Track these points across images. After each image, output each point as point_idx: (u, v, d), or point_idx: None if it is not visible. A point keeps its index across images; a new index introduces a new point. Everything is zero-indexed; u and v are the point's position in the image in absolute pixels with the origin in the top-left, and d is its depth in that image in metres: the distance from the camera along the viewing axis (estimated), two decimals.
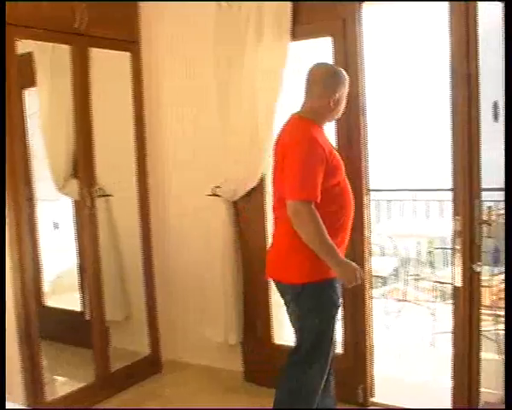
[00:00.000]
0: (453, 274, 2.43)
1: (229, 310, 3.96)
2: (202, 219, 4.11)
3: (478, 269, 2.45)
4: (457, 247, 2.38)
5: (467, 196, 2.38)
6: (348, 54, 3.44)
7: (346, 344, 3.70)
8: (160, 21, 4.16)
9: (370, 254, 3.71)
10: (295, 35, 3.57)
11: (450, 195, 6.45)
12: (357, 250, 3.50)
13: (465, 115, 2.38)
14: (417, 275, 5.79)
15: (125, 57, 4.07)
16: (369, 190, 3.56)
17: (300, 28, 3.57)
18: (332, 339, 2.90)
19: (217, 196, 3.95)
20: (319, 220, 2.66)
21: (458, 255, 2.39)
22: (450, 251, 5.64)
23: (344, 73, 2.96)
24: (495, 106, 2.71)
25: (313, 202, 2.68)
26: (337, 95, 2.88)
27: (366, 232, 3.55)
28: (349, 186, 2.96)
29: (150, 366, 4.32)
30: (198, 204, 4.14)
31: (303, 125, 2.86)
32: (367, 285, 3.58)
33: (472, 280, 2.45)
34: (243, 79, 3.71)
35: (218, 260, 3.95)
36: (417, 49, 6.22)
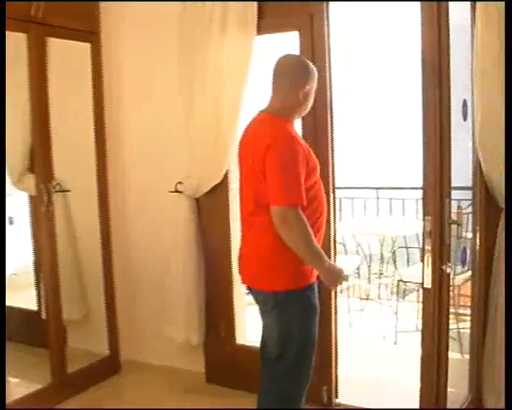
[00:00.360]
0: (422, 275, 2.38)
1: (191, 310, 3.86)
2: (164, 216, 4.01)
3: (448, 270, 2.41)
4: (427, 247, 2.33)
5: (437, 195, 2.33)
6: (315, 49, 3.38)
7: None
8: (122, 12, 4.05)
9: (336, 252, 3.66)
10: (261, 29, 3.48)
11: (413, 193, 6.64)
12: (323, 248, 3.41)
13: (437, 114, 2.33)
14: (380, 273, 5.78)
15: (85, 48, 3.94)
16: (334, 187, 3.51)
17: (266, 22, 3.49)
18: (315, 343, 2.81)
19: (179, 192, 3.85)
20: (307, 225, 2.54)
21: (428, 256, 2.34)
22: (412, 250, 5.80)
23: (313, 66, 2.80)
24: (464, 105, 2.68)
25: (300, 207, 2.55)
26: (307, 87, 2.72)
27: (332, 230, 3.49)
28: (322, 186, 2.83)
29: (109, 366, 4.22)
30: (160, 201, 4.04)
31: (277, 122, 2.69)
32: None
33: (441, 281, 2.41)
34: (207, 75, 3.63)
35: (179, 259, 3.86)
36: (387, 47, 6.22)
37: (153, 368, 4.24)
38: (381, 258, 5.87)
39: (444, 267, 2.38)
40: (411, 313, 5.24)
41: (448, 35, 2.35)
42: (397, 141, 7.24)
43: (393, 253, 5.54)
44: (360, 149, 7.31)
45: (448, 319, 2.56)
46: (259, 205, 2.65)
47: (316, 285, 2.76)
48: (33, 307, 4.19)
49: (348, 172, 6.15)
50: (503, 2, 2.63)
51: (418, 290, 5.41)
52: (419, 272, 4.92)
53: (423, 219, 2.35)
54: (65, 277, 3.93)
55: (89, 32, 3.92)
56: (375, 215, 6.63)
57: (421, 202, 6.15)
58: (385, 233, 5.72)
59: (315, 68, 2.80)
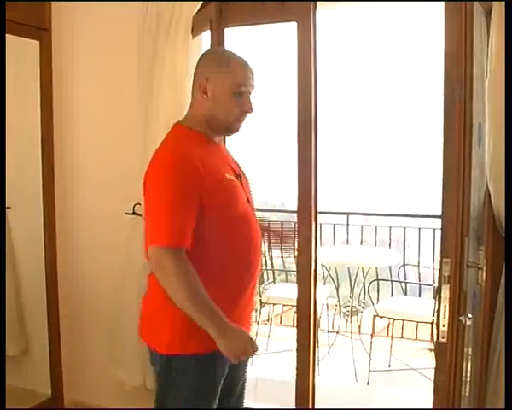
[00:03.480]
0: (437, 327, 2.01)
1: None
2: (118, 240, 3.54)
3: (468, 322, 2.02)
4: (444, 295, 1.94)
5: (458, 233, 1.96)
6: (299, 58, 3.01)
7: None
8: (76, 7, 3.63)
9: (316, 282, 3.27)
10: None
11: (386, 220, 6.35)
12: (303, 279, 3.15)
13: (461, 138, 1.97)
14: (353, 307, 5.44)
15: (32, 46, 3.52)
16: (316, 213, 3.14)
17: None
18: None
19: (137, 214, 3.40)
20: (189, 273, 1.99)
21: (445, 305, 1.95)
22: (384, 282, 5.50)
23: (238, 58, 2.18)
24: (479, 128, 2.32)
25: (182, 249, 2.00)
26: (205, 81, 2.12)
27: (313, 259, 3.15)
28: (256, 223, 2.27)
29: (52, 408, 3.76)
30: (114, 223, 3.59)
31: (174, 135, 2.20)
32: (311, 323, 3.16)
33: (458, 335, 2.03)
34: (168, 81, 3.24)
35: (135, 291, 3.39)
36: (372, 61, 5.94)
37: None
38: (352, 290, 5.52)
39: (462, 318, 2.00)
40: (383, 348, 4.92)
41: (472, 42, 2.00)
42: (377, 163, 6.97)
43: (368, 286, 5.22)
44: (341, 171, 7.01)
45: (461, 377, 2.18)
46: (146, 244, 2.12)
47: (220, 358, 2.10)
48: None
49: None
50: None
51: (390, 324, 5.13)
52: (394, 306, 4.82)
53: (440, 262, 1.97)
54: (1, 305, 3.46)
55: (38, 29, 3.50)
56: (345, 243, 6.32)
57: (394, 230, 6.13)
58: (355, 263, 5.37)
59: (239, 62, 2.17)
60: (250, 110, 2.16)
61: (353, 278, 5.47)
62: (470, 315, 2.02)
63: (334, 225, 6.29)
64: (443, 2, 2.15)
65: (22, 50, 3.55)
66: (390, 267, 5.61)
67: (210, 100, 2.13)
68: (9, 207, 3.66)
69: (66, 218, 3.77)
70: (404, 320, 5.08)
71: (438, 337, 2.00)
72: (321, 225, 6.14)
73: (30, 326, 3.87)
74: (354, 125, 6.74)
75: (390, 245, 6.17)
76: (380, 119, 6.52)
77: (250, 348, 2.06)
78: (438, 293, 2.04)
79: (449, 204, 2.05)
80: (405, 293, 5.32)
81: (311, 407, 3.31)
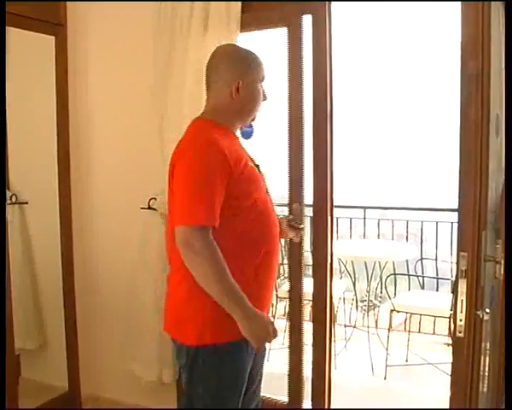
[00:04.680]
0: (454, 321, 1.98)
1: (164, 342, 3.38)
2: (134, 235, 3.53)
3: (485, 317, 1.99)
4: (461, 289, 1.92)
5: (476, 227, 1.93)
6: (314, 51, 2.99)
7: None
8: (90, 3, 3.61)
9: (332, 276, 3.26)
10: (247, 25, 3.11)
11: (403, 214, 6.30)
12: (319, 273, 3.14)
13: (478, 131, 1.95)
14: (369, 301, 5.40)
15: (48, 42, 3.51)
16: (332, 207, 3.13)
17: (253, 16, 3.11)
18: None
19: (152, 209, 3.40)
20: (217, 253, 2.01)
21: (462, 299, 1.93)
22: (401, 276, 5.46)
23: (255, 55, 2.32)
24: (497, 120, 2.29)
25: (210, 229, 2.03)
26: (240, 82, 2.23)
27: (329, 253, 3.13)
28: (274, 214, 2.32)
29: (68, 402, 3.78)
30: (130, 218, 3.58)
31: (200, 129, 2.24)
32: (327, 317, 3.16)
33: (475, 329, 2.00)
34: (185, 77, 3.21)
35: (151, 285, 3.39)
36: (393, 53, 5.87)
37: (118, 406, 3.78)
38: (369, 284, 5.48)
39: (479, 313, 1.97)
40: (401, 344, 4.89)
41: (490, 36, 1.97)
42: (390, 158, 6.89)
43: (384, 279, 5.18)
44: (358, 164, 6.95)
45: (478, 372, 2.15)
46: (173, 233, 2.13)
47: (248, 346, 2.15)
48: None
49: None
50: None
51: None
52: (411, 300, 4.79)
53: (457, 256, 1.94)
54: (19, 301, 3.50)
55: (53, 24, 3.50)
56: (362, 237, 6.28)
57: (411, 224, 6.08)
58: (372, 257, 5.34)
59: (258, 59, 2.32)
60: (264, 98, 2.35)
61: (370, 272, 5.43)
62: (488, 310, 2.00)
63: (351, 219, 6.24)
64: None
65: (38, 46, 3.55)
66: (407, 261, 5.56)
67: (242, 96, 2.25)
68: (26, 203, 3.69)
69: (82, 213, 3.78)
70: (421, 315, 5.05)
71: (455, 332, 1.97)
72: (337, 219, 6.14)
73: (47, 321, 3.88)
74: (371, 119, 6.69)
75: (407, 239, 6.12)
76: (396, 113, 6.47)
77: (272, 333, 2.11)
78: (455, 287, 2.01)
79: (466, 197, 2.02)
80: (423, 287, 5.27)
81: (327, 400, 3.30)
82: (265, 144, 3.46)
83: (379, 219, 6.24)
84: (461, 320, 1.95)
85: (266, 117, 2.54)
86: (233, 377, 2.19)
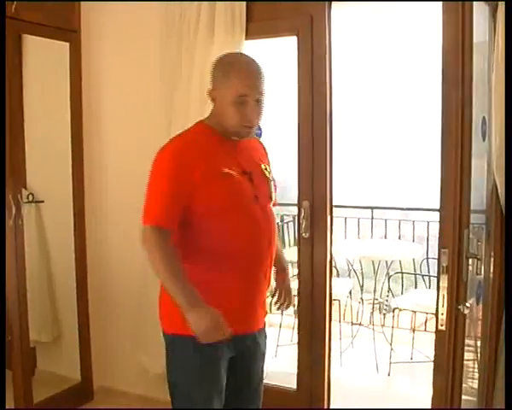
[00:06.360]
0: (436, 315, 2.09)
1: None
2: None
3: (465, 311, 2.11)
4: (443, 284, 2.03)
5: (456, 225, 2.04)
6: (315, 55, 3.12)
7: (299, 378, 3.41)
8: (104, 10, 3.75)
9: (331, 275, 3.40)
10: (253, 33, 3.24)
11: (410, 214, 6.37)
12: (318, 271, 3.25)
13: (458, 132, 2.05)
14: (375, 299, 5.49)
15: (63, 48, 3.64)
16: (332, 206, 3.24)
17: (260, 26, 3.24)
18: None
19: None
20: (167, 248, 2.12)
21: (443, 294, 2.04)
22: (406, 275, 5.54)
23: (240, 64, 2.21)
24: (483, 123, 2.40)
25: (165, 229, 2.14)
26: (216, 90, 2.20)
27: (328, 252, 3.25)
28: (266, 220, 2.29)
29: (81, 393, 3.92)
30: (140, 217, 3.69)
31: (188, 130, 2.31)
32: (327, 312, 3.27)
33: (457, 323, 2.11)
34: (192, 81, 3.35)
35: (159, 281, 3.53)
36: (396, 54, 5.91)
37: (127, 397, 3.91)
38: (375, 283, 5.56)
39: (461, 307, 2.08)
40: (405, 341, 4.98)
41: (472, 41, 2.07)
42: (395, 159, 6.93)
43: (389, 278, 5.26)
44: (357, 165, 7.00)
45: (462, 366, 2.25)
46: None
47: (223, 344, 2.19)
48: None
49: (341, 189, 5.87)
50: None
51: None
52: (415, 299, 4.87)
53: (438, 252, 2.06)
54: (35, 295, 3.67)
55: (68, 31, 3.63)
56: (369, 237, 6.35)
57: (418, 225, 6.14)
58: (380, 257, 5.42)
59: (243, 73, 2.17)
60: (249, 121, 2.19)
61: (377, 271, 5.51)
62: (468, 304, 2.10)
63: (359, 219, 6.32)
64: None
65: (53, 52, 3.68)
66: (414, 260, 5.64)
67: (216, 106, 2.23)
68: (42, 201, 3.81)
69: (95, 211, 3.90)
70: (427, 313, 5.12)
71: (437, 326, 2.08)
72: (346, 219, 6.24)
73: (62, 315, 4.01)
74: (369, 122, 6.75)
75: (413, 239, 6.19)
76: (398, 113, 6.52)
77: (219, 330, 2.07)
78: (437, 282, 2.12)
79: (446, 196, 2.12)
80: (429, 286, 5.34)
81: (326, 399, 3.40)
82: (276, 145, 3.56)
83: (386, 220, 6.31)
84: (442, 314, 2.06)
85: (278, 117, 2.60)
86: (202, 368, 2.25)
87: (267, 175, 2.38)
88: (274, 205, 2.42)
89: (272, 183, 2.38)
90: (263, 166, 2.38)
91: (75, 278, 3.85)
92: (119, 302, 3.92)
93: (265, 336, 2.51)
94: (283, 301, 2.53)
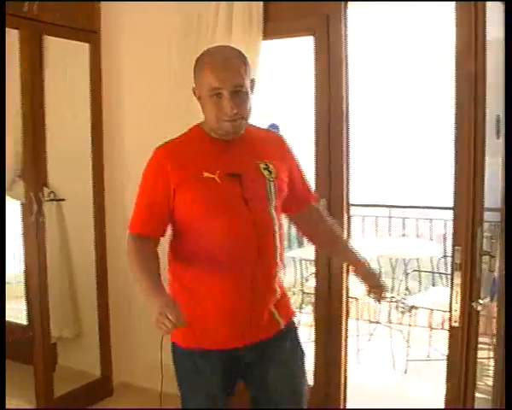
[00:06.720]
0: (450, 311, 2.11)
1: None
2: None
3: (478, 308, 2.12)
4: (457, 281, 2.05)
5: (469, 223, 2.06)
6: (331, 55, 3.14)
7: (316, 375, 3.43)
8: (123, 11, 3.81)
9: (348, 273, 3.38)
10: (270, 33, 3.27)
11: (428, 212, 6.36)
12: (335, 269, 3.27)
13: (471, 130, 2.07)
14: (392, 297, 5.50)
15: (83, 49, 3.70)
16: (349, 204, 3.26)
17: (276, 25, 3.27)
18: None
19: None
20: (141, 252, 2.14)
21: (457, 291, 2.06)
22: (424, 273, 5.54)
23: (214, 56, 2.12)
24: (497, 121, 2.40)
25: (143, 236, 2.17)
26: (196, 87, 2.14)
27: None
28: (256, 222, 2.13)
29: (101, 389, 3.98)
30: None
31: (182, 134, 2.26)
32: (343, 309, 3.29)
33: (471, 320, 2.13)
34: None
35: None
36: (413, 54, 5.89)
37: (146, 392, 3.90)
38: (393, 281, 5.58)
39: (474, 304, 2.10)
40: (423, 339, 4.99)
41: (485, 39, 2.08)
42: (413, 157, 6.88)
43: (406, 276, 5.27)
44: (374, 164, 6.98)
45: (476, 362, 2.27)
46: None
47: (217, 357, 2.20)
48: (23, 321, 3.94)
49: (358, 188, 5.89)
50: None
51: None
52: (433, 297, 4.88)
53: (452, 249, 2.08)
54: (57, 292, 3.74)
55: (88, 31, 3.69)
56: (387, 235, 6.36)
57: (435, 223, 6.14)
58: (397, 255, 5.43)
59: (213, 60, 2.09)
60: (225, 114, 2.07)
61: (395, 269, 5.52)
62: (481, 301, 2.11)
63: (377, 217, 6.34)
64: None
65: (73, 52, 3.73)
66: (431, 259, 5.64)
67: (200, 104, 2.14)
68: (63, 200, 3.88)
69: (115, 209, 3.95)
70: (444, 311, 5.11)
71: (450, 322, 2.10)
72: (363, 217, 6.25)
73: (83, 312, 4.06)
74: (385, 120, 6.73)
75: (431, 237, 6.19)
76: (414, 111, 6.50)
77: (164, 319, 1.96)
78: (451, 280, 2.14)
79: (460, 195, 2.14)
80: (447, 284, 5.33)
81: (342, 397, 3.43)
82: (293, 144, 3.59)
83: (403, 218, 6.32)
84: (456, 311, 2.07)
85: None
86: (193, 379, 2.28)
87: (265, 175, 2.19)
88: (289, 210, 2.34)
89: (273, 183, 2.18)
90: (262, 166, 2.19)
91: (95, 275, 3.91)
92: (138, 299, 3.96)
93: (288, 340, 2.32)
94: (374, 291, 2.35)
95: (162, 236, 2.22)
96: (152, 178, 2.17)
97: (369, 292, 2.37)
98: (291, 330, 2.35)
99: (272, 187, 2.18)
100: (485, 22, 2.10)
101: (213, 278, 2.15)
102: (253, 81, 2.17)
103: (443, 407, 2.50)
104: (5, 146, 2.87)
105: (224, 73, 2.06)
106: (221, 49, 2.21)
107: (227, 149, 2.17)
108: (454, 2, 2.21)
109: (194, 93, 2.16)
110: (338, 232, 2.49)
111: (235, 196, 2.12)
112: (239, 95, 2.07)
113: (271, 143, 2.32)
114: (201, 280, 2.16)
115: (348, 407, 3.46)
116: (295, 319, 2.45)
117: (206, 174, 2.10)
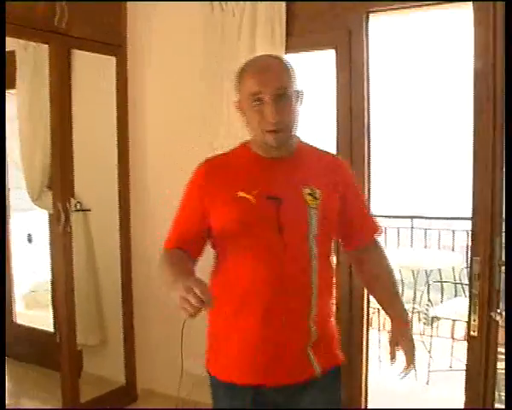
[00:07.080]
0: (468, 321, 2.14)
1: None
2: None
3: (497, 318, 2.15)
4: (475, 291, 2.08)
5: (488, 233, 2.09)
6: (353, 68, 3.17)
7: None
8: (149, 25, 3.90)
9: None
10: (293, 47, 3.31)
11: (449, 223, 6.34)
12: (356, 280, 3.21)
13: (490, 138, 2.09)
14: (413, 308, 5.50)
15: (110, 62, 3.79)
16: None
17: (298, 39, 3.31)
18: None
19: None
20: (164, 256, 2.07)
21: (475, 301, 2.08)
22: (446, 284, 5.53)
23: (253, 62, 2.00)
24: None
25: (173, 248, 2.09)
26: (238, 98, 2.00)
27: None
28: (290, 253, 1.94)
29: (125, 395, 4.04)
30: None
31: (227, 151, 2.15)
32: (364, 319, 3.31)
33: (489, 330, 2.15)
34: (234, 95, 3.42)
35: None
36: (434, 65, 5.90)
37: (170, 399, 3.95)
38: (414, 292, 5.58)
39: (493, 314, 2.12)
40: (445, 350, 4.98)
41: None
42: (436, 167, 6.88)
43: (428, 287, 5.27)
44: (397, 175, 6.99)
45: (495, 372, 2.29)
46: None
47: (244, 394, 2.06)
48: (50, 328, 4.05)
49: (381, 199, 5.90)
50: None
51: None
52: (455, 308, 4.87)
53: (471, 260, 2.11)
54: (82, 300, 3.80)
55: (114, 45, 3.77)
56: (409, 246, 6.36)
57: (458, 234, 6.12)
58: (419, 266, 5.44)
59: (252, 66, 1.96)
60: (269, 123, 1.90)
61: (416, 280, 5.51)
62: (499, 310, 2.14)
63: (399, 228, 6.34)
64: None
65: (100, 66, 3.81)
66: (453, 269, 5.63)
67: (244, 119, 2.00)
68: (89, 210, 3.95)
69: (140, 219, 4.02)
70: (466, 322, 5.10)
71: (469, 332, 2.13)
72: (386, 228, 6.25)
73: (108, 320, 4.12)
74: (407, 132, 6.73)
75: (453, 248, 6.18)
76: (435, 124, 6.50)
77: (193, 290, 1.70)
78: (469, 290, 2.17)
79: (478, 204, 2.16)
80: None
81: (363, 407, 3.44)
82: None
83: (425, 229, 6.32)
84: (474, 321, 2.10)
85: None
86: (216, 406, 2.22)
87: (308, 201, 1.97)
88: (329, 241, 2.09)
89: (315, 210, 1.96)
90: (306, 191, 1.97)
91: (120, 283, 3.97)
92: (162, 308, 4.01)
93: (324, 390, 2.10)
94: (395, 356, 2.26)
95: (198, 254, 2.10)
96: (188, 195, 2.10)
97: (392, 355, 2.25)
98: (330, 378, 2.11)
99: (314, 215, 1.97)
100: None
101: (235, 305, 2.02)
102: (300, 93, 1.99)
103: None
104: (5, 146, 2.82)
105: (265, 75, 1.90)
106: (261, 56, 2.06)
107: (271, 169, 2.00)
108: (471, 3, 2.21)
109: (237, 107, 2.02)
110: (390, 282, 2.22)
111: (268, 221, 1.94)
112: (282, 100, 1.89)
113: (327, 167, 2.10)
114: (233, 306, 2.03)
115: None
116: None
117: (240, 194, 1.95)
